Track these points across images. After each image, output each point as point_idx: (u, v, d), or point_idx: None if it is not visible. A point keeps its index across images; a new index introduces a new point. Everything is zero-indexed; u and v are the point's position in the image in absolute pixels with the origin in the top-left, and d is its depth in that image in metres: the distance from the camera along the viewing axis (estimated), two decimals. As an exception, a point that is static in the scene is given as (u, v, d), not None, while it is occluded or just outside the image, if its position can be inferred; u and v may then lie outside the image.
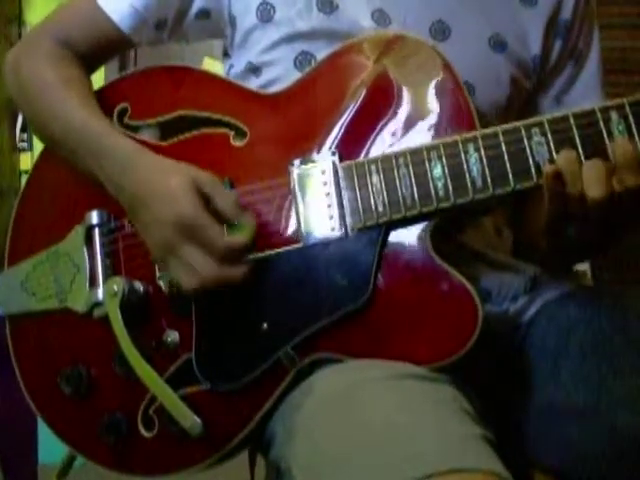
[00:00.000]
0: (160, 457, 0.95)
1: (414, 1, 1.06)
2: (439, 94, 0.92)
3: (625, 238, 0.96)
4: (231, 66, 1.13)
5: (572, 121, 0.85)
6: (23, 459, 1.81)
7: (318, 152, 0.94)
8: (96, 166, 0.98)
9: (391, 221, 0.89)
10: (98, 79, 1.17)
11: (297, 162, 0.93)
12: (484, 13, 1.08)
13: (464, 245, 1.03)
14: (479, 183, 0.86)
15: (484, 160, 0.86)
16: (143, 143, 1.00)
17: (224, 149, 0.98)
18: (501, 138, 0.86)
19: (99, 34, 1.10)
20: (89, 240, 1.01)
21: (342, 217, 0.90)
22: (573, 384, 0.92)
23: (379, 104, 0.93)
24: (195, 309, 0.94)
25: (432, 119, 0.92)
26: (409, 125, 0.92)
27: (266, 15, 1.06)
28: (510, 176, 0.86)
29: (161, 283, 0.96)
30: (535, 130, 0.86)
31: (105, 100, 1.05)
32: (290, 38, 1.04)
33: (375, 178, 0.90)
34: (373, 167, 0.90)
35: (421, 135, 0.91)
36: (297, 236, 0.92)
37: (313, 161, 0.93)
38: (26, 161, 2.85)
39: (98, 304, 0.97)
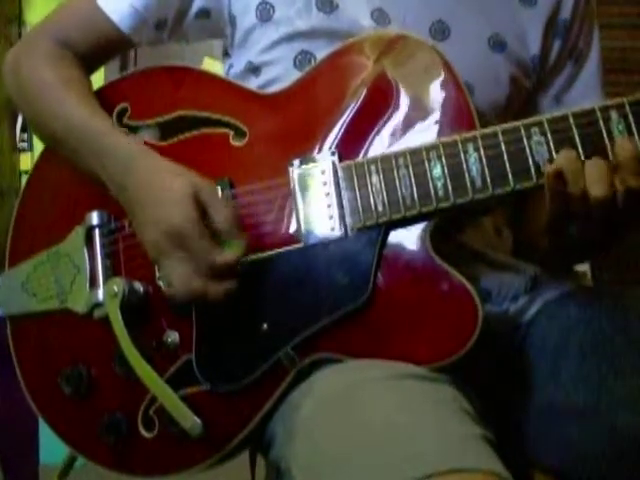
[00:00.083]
0: (160, 457, 0.95)
1: (414, 1, 1.06)
2: (439, 94, 0.92)
3: (627, 237, 0.96)
4: (231, 66, 1.13)
5: (572, 120, 0.85)
6: (24, 459, 1.82)
7: (318, 152, 0.94)
8: (98, 165, 0.98)
9: (391, 221, 0.89)
10: (98, 79, 1.17)
11: (297, 162, 0.93)
12: (484, 13, 1.08)
13: (464, 245, 1.03)
14: (479, 183, 0.86)
15: (484, 160, 0.86)
16: (144, 143, 1.00)
17: (224, 149, 0.98)
18: (500, 138, 0.86)
19: (99, 34, 1.10)
20: (89, 241, 1.01)
21: (342, 217, 0.90)
22: (573, 384, 0.92)
23: (379, 104, 0.93)
24: (195, 310, 0.93)
25: (432, 119, 0.92)
26: (409, 125, 0.92)
27: (265, 14, 1.05)
28: (510, 176, 0.85)
29: (161, 283, 0.96)
30: (535, 130, 0.86)
31: (105, 100, 1.05)
32: (290, 37, 1.04)
33: (375, 178, 0.90)
34: (373, 167, 0.90)
35: (421, 135, 0.91)
36: (297, 236, 0.92)
37: (313, 161, 0.93)
38: (26, 161, 2.84)
39: (98, 305, 0.97)
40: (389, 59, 0.95)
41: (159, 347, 0.95)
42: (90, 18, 1.09)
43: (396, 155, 0.89)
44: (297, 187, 0.93)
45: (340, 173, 0.92)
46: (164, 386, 0.91)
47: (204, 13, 1.10)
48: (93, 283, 1.00)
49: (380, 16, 1.04)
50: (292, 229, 0.92)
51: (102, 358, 0.98)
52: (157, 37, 1.12)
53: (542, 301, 1.04)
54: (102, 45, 1.11)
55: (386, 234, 0.89)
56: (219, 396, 0.92)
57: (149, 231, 0.91)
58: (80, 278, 1.01)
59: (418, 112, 0.92)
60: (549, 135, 0.85)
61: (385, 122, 0.93)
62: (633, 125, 0.83)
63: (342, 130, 0.94)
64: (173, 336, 0.95)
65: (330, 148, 0.93)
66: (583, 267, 1.98)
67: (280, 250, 0.92)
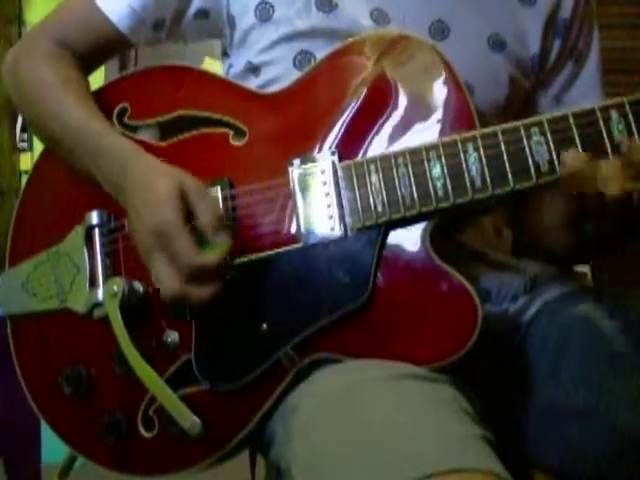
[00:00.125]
0: (160, 457, 0.95)
1: (413, 0, 1.06)
2: (439, 94, 0.92)
3: None
4: (230, 66, 1.13)
5: (572, 120, 0.85)
6: (26, 459, 1.82)
7: (318, 152, 0.94)
8: (94, 166, 0.98)
9: (390, 221, 0.89)
10: (98, 79, 1.18)
11: (296, 162, 0.93)
12: (483, 13, 1.08)
13: (463, 245, 1.03)
14: (478, 183, 0.86)
15: (483, 160, 0.86)
16: (142, 143, 1.00)
17: (223, 149, 0.98)
18: (500, 138, 0.86)
19: (97, 34, 1.10)
20: (89, 240, 1.01)
21: (341, 217, 0.90)
22: (573, 384, 0.92)
23: (379, 104, 0.93)
24: (194, 310, 0.93)
25: (432, 119, 0.91)
26: (409, 125, 0.92)
27: (265, 14, 1.05)
28: (509, 176, 0.85)
29: (158, 285, 0.96)
30: (534, 130, 0.86)
31: (105, 100, 1.05)
32: (289, 37, 1.04)
33: (374, 178, 0.90)
34: (372, 167, 0.90)
35: (421, 135, 0.91)
36: (297, 236, 0.91)
37: (313, 161, 0.93)
38: (26, 161, 2.84)
39: (98, 304, 0.97)
40: (389, 59, 0.94)
41: (159, 347, 0.95)
42: (89, 18, 1.09)
43: (395, 155, 0.89)
44: (297, 187, 0.92)
45: (340, 173, 0.91)
46: (163, 386, 0.91)
47: (202, 13, 1.10)
48: (93, 283, 1.00)
49: (379, 16, 1.04)
50: (292, 229, 0.92)
51: (102, 358, 0.98)
52: (155, 37, 1.12)
53: (542, 301, 1.04)
54: (101, 45, 1.11)
55: (386, 234, 0.89)
56: (219, 396, 0.92)
57: (139, 232, 0.91)
58: (80, 278, 1.01)
59: (418, 112, 0.92)
60: (549, 135, 0.85)
61: (385, 122, 0.93)
62: (633, 125, 0.83)
63: (342, 130, 0.94)
64: (173, 336, 0.95)
65: (330, 148, 0.93)
66: (583, 267, 1.98)
67: (280, 250, 0.92)
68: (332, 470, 0.77)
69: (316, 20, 1.04)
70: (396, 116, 0.92)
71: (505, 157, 0.86)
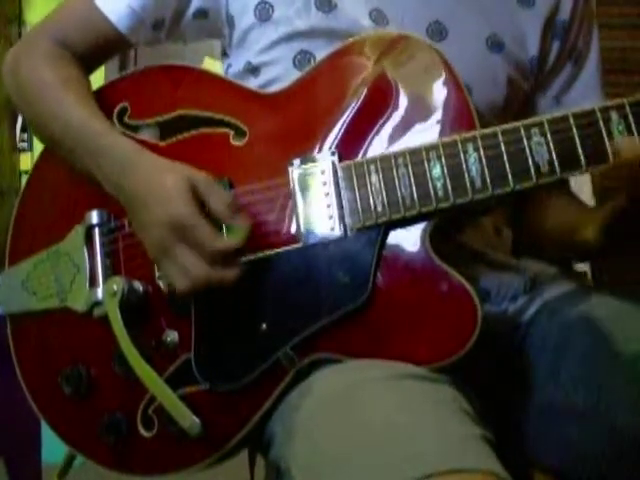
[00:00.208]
0: (159, 457, 0.95)
1: (411, 1, 1.06)
2: (439, 94, 0.92)
3: None
4: (229, 66, 1.13)
5: (572, 121, 0.85)
6: (27, 459, 1.81)
7: (318, 152, 0.93)
8: (94, 165, 0.98)
9: (390, 221, 0.88)
10: (98, 79, 1.17)
11: (296, 162, 0.93)
12: (481, 14, 1.08)
13: (463, 245, 1.03)
14: (478, 183, 0.86)
15: (483, 160, 0.86)
16: (142, 143, 0.99)
17: (224, 149, 0.98)
18: (500, 138, 0.86)
19: (97, 34, 1.10)
20: (89, 240, 1.01)
21: (341, 217, 0.90)
22: (573, 384, 0.92)
23: (379, 104, 0.93)
24: (194, 309, 0.93)
25: (432, 119, 0.91)
26: (409, 125, 0.92)
27: (265, 14, 1.05)
28: (509, 176, 0.85)
29: (160, 283, 0.96)
30: (535, 130, 0.86)
31: (105, 100, 1.05)
32: (289, 37, 1.04)
33: (374, 178, 0.90)
34: (372, 167, 0.90)
35: (421, 135, 0.91)
36: (296, 236, 0.91)
37: (313, 161, 0.93)
38: (26, 161, 2.84)
39: (98, 304, 0.97)
40: (389, 59, 0.94)
41: (158, 346, 0.95)
42: (88, 18, 1.09)
43: (395, 155, 0.89)
44: (297, 187, 0.92)
45: (340, 173, 0.91)
46: (163, 385, 0.91)
47: (202, 13, 1.10)
48: (93, 282, 1.00)
49: (378, 16, 1.04)
50: (292, 229, 0.92)
51: (102, 357, 0.98)
52: (154, 37, 1.12)
53: (541, 301, 1.04)
54: (100, 45, 1.11)
55: (386, 234, 0.89)
56: (218, 396, 0.92)
57: (150, 229, 0.90)
58: (80, 277, 1.01)
59: (418, 112, 0.92)
60: (549, 136, 0.85)
61: (385, 122, 0.93)
62: (633, 125, 0.83)
63: (342, 130, 0.93)
64: (172, 335, 0.95)
65: (330, 148, 0.93)
66: (583, 267, 1.98)
67: (280, 250, 0.92)
68: (332, 470, 0.76)
69: (315, 20, 1.04)
70: (396, 116, 0.92)
71: (505, 157, 0.86)
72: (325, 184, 0.91)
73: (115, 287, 0.94)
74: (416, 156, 0.88)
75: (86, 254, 1.01)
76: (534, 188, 0.86)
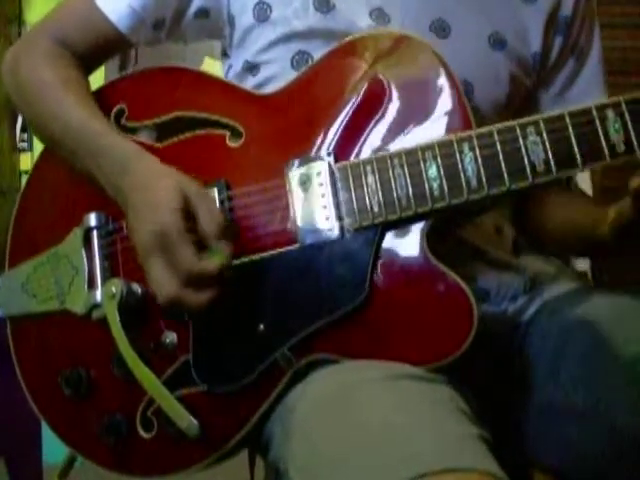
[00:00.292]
0: (159, 458, 0.95)
1: (413, 0, 1.05)
2: (435, 94, 0.91)
3: None
4: (230, 66, 1.13)
5: (568, 120, 0.84)
6: (27, 459, 1.82)
7: (314, 153, 0.93)
8: (94, 165, 0.98)
9: (387, 222, 0.88)
10: (98, 79, 1.18)
11: (293, 163, 0.93)
12: (484, 11, 1.08)
13: (463, 241, 1.03)
14: (474, 183, 0.86)
15: (479, 160, 0.86)
16: (140, 144, 0.99)
17: (220, 150, 0.98)
18: (496, 137, 0.86)
19: (97, 34, 1.10)
20: (87, 242, 1.01)
21: (338, 218, 0.90)
22: (573, 384, 0.92)
23: (375, 104, 0.93)
24: (191, 312, 0.93)
25: (428, 119, 0.91)
26: (405, 125, 0.92)
27: (262, 14, 1.05)
28: (505, 176, 0.85)
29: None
30: (530, 129, 0.85)
31: (102, 101, 1.05)
32: (287, 38, 1.04)
33: (370, 178, 0.89)
34: (368, 168, 0.90)
35: (417, 135, 0.91)
36: (293, 237, 0.91)
37: (309, 162, 0.92)
38: (26, 161, 2.84)
39: (96, 306, 0.97)
40: (385, 59, 0.94)
41: (157, 348, 0.95)
42: (88, 18, 1.09)
43: (391, 155, 0.89)
44: (293, 188, 0.92)
45: (336, 174, 0.91)
46: (161, 387, 0.91)
47: (203, 13, 1.10)
48: (91, 284, 1.00)
49: (380, 15, 1.03)
50: (289, 230, 0.92)
51: (101, 359, 0.98)
52: (155, 37, 1.12)
53: (541, 301, 1.04)
54: (100, 45, 1.11)
55: (382, 234, 0.89)
56: (216, 397, 0.92)
57: (137, 235, 0.90)
58: (78, 279, 1.01)
59: (414, 112, 0.92)
60: (545, 135, 0.84)
61: (381, 122, 0.92)
62: (629, 124, 0.83)
63: (338, 131, 0.93)
64: (171, 337, 0.95)
65: (327, 149, 0.93)
66: (583, 267, 1.98)
67: (277, 251, 0.92)
68: (329, 471, 0.76)
69: (313, 20, 1.03)
70: (392, 117, 0.92)
71: (501, 157, 0.85)
72: (322, 185, 0.91)
73: (113, 289, 0.94)
74: (412, 156, 0.88)
75: (84, 256, 1.01)
76: (530, 187, 0.85)
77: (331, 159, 0.92)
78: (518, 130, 0.85)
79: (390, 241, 0.89)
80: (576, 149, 0.84)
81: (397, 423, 0.77)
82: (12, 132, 2.85)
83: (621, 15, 2.50)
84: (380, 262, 0.88)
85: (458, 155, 0.86)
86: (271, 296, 0.91)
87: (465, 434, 0.76)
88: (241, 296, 0.91)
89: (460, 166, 0.86)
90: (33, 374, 1.06)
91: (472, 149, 0.86)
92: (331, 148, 0.93)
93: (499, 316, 1.02)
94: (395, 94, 0.92)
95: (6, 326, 1.09)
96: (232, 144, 0.98)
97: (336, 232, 0.90)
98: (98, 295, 0.97)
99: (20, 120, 2.82)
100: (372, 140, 0.92)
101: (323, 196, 0.91)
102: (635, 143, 0.83)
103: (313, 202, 0.91)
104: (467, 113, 0.90)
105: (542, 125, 0.85)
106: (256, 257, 0.92)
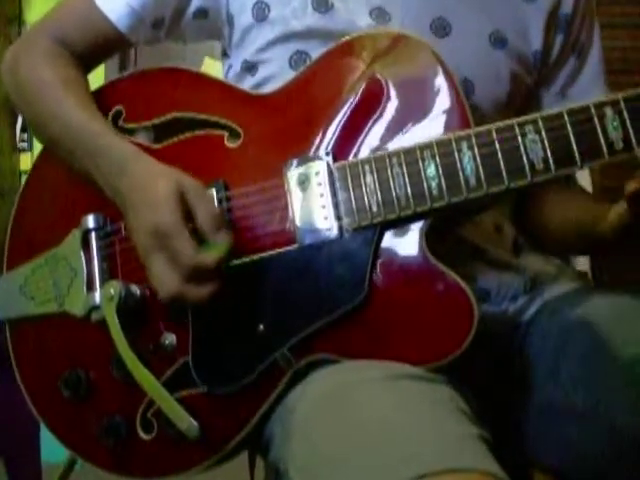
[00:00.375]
0: (159, 459, 0.95)
1: None
2: (433, 93, 0.91)
3: None
4: (230, 66, 1.13)
5: (566, 118, 0.84)
6: (27, 459, 1.82)
7: (312, 153, 0.93)
8: (92, 166, 0.98)
9: (386, 221, 0.88)
10: (98, 79, 1.18)
11: (291, 163, 0.93)
12: (484, 10, 1.07)
13: (463, 240, 1.02)
14: (473, 182, 0.86)
15: (478, 158, 0.85)
16: (138, 146, 0.99)
17: (218, 151, 0.97)
18: (495, 136, 0.85)
19: (96, 33, 1.10)
20: (86, 244, 1.01)
21: (337, 217, 0.90)
22: (573, 384, 0.91)
23: (373, 104, 0.93)
24: (192, 312, 0.93)
25: (426, 119, 0.91)
26: (403, 124, 0.91)
27: (261, 14, 1.05)
28: (504, 174, 0.85)
29: (154, 287, 0.96)
30: (529, 128, 0.85)
31: (100, 102, 1.05)
32: (285, 37, 1.04)
33: (369, 178, 0.89)
34: (367, 167, 0.89)
35: (416, 135, 0.90)
36: (292, 237, 0.91)
37: (307, 162, 0.92)
38: (26, 161, 2.84)
39: (95, 308, 0.97)
40: (383, 58, 0.94)
41: (156, 350, 0.95)
42: (88, 17, 1.09)
43: (390, 155, 0.89)
44: (292, 188, 0.92)
45: (335, 174, 0.91)
46: (160, 389, 0.91)
47: (202, 12, 1.10)
48: (90, 286, 1.00)
49: (380, 14, 1.03)
50: (287, 230, 0.92)
51: (100, 361, 0.98)
52: (154, 36, 1.12)
53: (541, 301, 1.04)
54: (100, 44, 1.11)
55: (381, 234, 0.89)
56: (216, 398, 0.92)
57: (137, 235, 0.91)
58: (77, 281, 1.01)
59: (412, 111, 0.92)
60: (543, 133, 0.84)
61: (379, 122, 0.92)
62: (628, 121, 0.82)
63: (337, 130, 0.93)
64: (170, 338, 0.95)
65: (325, 149, 0.93)
66: (583, 267, 1.97)
67: (275, 251, 0.91)
68: (330, 471, 0.76)
69: (312, 20, 1.03)
70: (390, 116, 0.92)
71: (499, 155, 0.85)
72: (320, 185, 0.91)
73: (112, 291, 0.94)
74: (410, 155, 0.88)
75: (83, 258, 1.01)
76: (529, 186, 0.85)
77: (329, 159, 0.92)
78: (517, 128, 0.85)
79: (389, 241, 0.89)
80: (575, 147, 0.83)
81: (397, 423, 0.77)
82: (12, 132, 2.85)
83: (621, 15, 2.50)
84: (379, 262, 0.88)
85: (457, 154, 0.86)
86: (270, 296, 0.91)
87: (465, 434, 0.76)
88: (240, 296, 0.91)
89: (459, 165, 0.86)
90: (32, 377, 1.06)
91: (471, 148, 0.86)
92: (329, 148, 0.93)
93: (499, 316, 1.02)
94: (393, 93, 0.92)
95: (5, 329, 1.09)
96: (230, 144, 0.98)
97: (335, 232, 0.90)
98: (97, 297, 0.97)
99: (20, 120, 2.82)
100: (370, 139, 0.92)
101: (322, 196, 0.91)
102: (634, 140, 0.82)
103: (312, 202, 0.91)
104: (465, 112, 0.89)
105: (541, 123, 0.85)
106: (255, 257, 0.91)
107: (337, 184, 0.91)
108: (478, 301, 0.85)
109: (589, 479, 0.88)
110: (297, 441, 0.83)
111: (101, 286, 0.98)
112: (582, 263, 1.90)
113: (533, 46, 1.10)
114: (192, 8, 1.09)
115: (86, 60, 1.11)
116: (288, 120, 0.96)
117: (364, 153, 0.92)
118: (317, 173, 0.91)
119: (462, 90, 0.91)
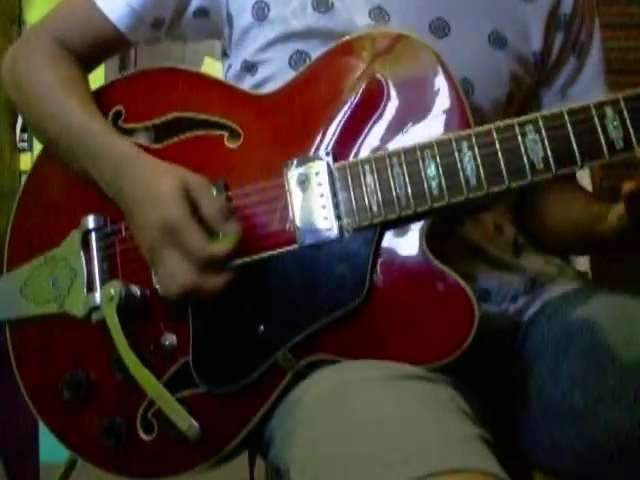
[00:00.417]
0: (159, 460, 0.95)
1: None
2: (434, 93, 0.91)
3: None
4: (230, 66, 1.13)
5: (566, 118, 0.84)
6: (25, 459, 1.82)
7: (312, 153, 0.93)
8: (92, 166, 0.98)
9: (386, 221, 0.88)
10: (98, 79, 1.17)
11: (291, 163, 0.93)
12: (483, 10, 1.07)
13: (463, 239, 1.02)
14: (473, 182, 0.86)
15: (478, 158, 0.85)
16: (138, 146, 0.99)
17: (219, 151, 0.97)
18: (495, 136, 0.85)
19: (96, 33, 1.09)
20: (86, 244, 1.01)
21: (337, 218, 0.90)
22: (573, 384, 0.91)
23: (374, 104, 0.93)
24: (192, 312, 0.93)
25: (426, 119, 0.91)
26: (403, 124, 0.91)
27: (261, 14, 1.05)
28: (504, 174, 0.85)
29: (158, 286, 0.95)
30: (529, 127, 0.85)
31: (100, 102, 1.05)
32: (285, 37, 1.04)
33: (369, 178, 0.89)
34: (367, 167, 0.89)
35: (416, 134, 0.90)
36: (292, 237, 0.91)
37: (307, 162, 0.92)
38: (26, 161, 2.83)
39: (96, 308, 0.97)
40: (383, 58, 0.94)
41: (157, 350, 0.95)
42: (88, 17, 1.09)
43: (390, 155, 0.89)
44: (292, 188, 0.92)
45: (335, 174, 0.91)
46: (161, 389, 0.91)
47: (202, 12, 1.10)
48: (90, 287, 0.99)
49: (379, 14, 1.03)
50: (288, 230, 0.92)
51: (100, 362, 0.98)
52: (154, 36, 1.12)
53: (542, 301, 1.04)
54: (100, 44, 1.11)
55: (381, 234, 0.89)
56: (217, 398, 0.92)
57: (143, 233, 0.91)
58: (77, 282, 1.01)
59: (412, 111, 0.92)
60: (544, 133, 0.84)
61: (379, 122, 0.92)
62: (628, 121, 0.82)
63: (337, 130, 0.93)
64: (170, 339, 0.95)
65: (325, 149, 0.93)
66: (583, 267, 1.97)
67: (276, 251, 0.91)
68: (330, 472, 0.76)
69: (312, 20, 1.03)
70: (391, 116, 0.92)
71: (500, 155, 0.85)
72: (320, 185, 0.91)
73: (112, 291, 0.94)
74: (410, 155, 0.88)
75: (83, 259, 1.01)
76: (529, 185, 0.85)
77: (330, 159, 0.92)
78: (517, 128, 0.85)
79: (389, 241, 0.89)
80: (575, 147, 0.83)
81: (398, 423, 0.76)
82: (12, 132, 2.84)
83: (621, 15, 2.49)
84: (379, 262, 0.88)
85: (457, 154, 0.86)
86: (270, 297, 0.91)
87: (466, 434, 0.76)
88: (241, 297, 0.91)
89: (459, 165, 0.86)
90: (32, 378, 1.05)
91: (471, 148, 0.86)
92: (330, 148, 0.92)
93: (500, 316, 1.02)
94: (393, 93, 0.92)
95: (5, 329, 1.08)
96: (230, 145, 0.97)
97: (335, 232, 0.89)
98: (97, 297, 0.97)
99: (20, 120, 2.81)
100: (371, 139, 0.92)
101: (322, 196, 0.91)
102: (634, 140, 0.82)
103: (312, 202, 0.91)
104: (465, 112, 0.89)
105: (541, 123, 0.85)
106: (255, 257, 0.91)
107: (337, 184, 0.91)
108: (479, 301, 0.85)
109: (589, 479, 0.88)
110: (298, 441, 0.83)
111: (101, 286, 0.98)
112: (582, 263, 1.90)
113: (533, 46, 1.10)
114: (192, 8, 1.09)
115: (86, 60, 1.11)
116: (288, 120, 0.96)
117: (364, 153, 0.92)
118: (317, 173, 0.91)
119: (462, 90, 0.91)
